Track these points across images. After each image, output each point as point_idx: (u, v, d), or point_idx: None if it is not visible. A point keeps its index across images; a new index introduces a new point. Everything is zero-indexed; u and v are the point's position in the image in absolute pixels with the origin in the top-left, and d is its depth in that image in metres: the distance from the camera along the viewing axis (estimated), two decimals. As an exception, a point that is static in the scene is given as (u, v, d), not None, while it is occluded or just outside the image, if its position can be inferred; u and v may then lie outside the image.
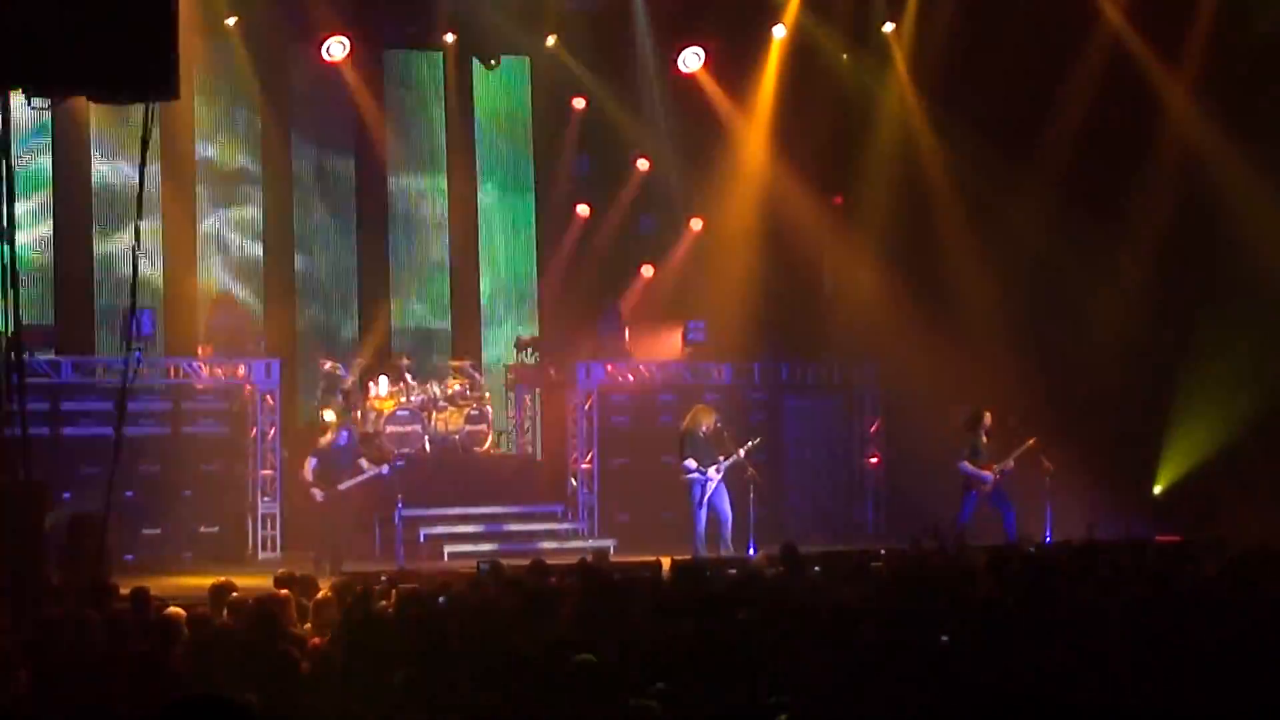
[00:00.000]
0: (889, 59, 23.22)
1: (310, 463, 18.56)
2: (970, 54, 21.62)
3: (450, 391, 21.73)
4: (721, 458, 19.04)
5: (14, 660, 9.12)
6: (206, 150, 22.21)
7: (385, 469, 18.68)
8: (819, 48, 23.18)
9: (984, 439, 19.38)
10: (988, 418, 19.45)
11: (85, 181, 21.29)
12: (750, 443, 19.17)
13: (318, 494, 18.22)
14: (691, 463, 19.04)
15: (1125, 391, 21.24)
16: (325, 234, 22.99)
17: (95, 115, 20.76)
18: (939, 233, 22.46)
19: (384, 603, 11.75)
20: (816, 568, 13.93)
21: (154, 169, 20.39)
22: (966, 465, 19.30)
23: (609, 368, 21.68)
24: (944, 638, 9.22)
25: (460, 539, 19.81)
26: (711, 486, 18.97)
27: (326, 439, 18.69)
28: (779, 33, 23.09)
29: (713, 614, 10.34)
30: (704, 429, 19.12)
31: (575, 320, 23.33)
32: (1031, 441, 19.21)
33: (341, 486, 18.25)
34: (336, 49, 21.98)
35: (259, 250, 22.49)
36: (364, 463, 18.61)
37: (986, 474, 19.20)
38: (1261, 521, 18.56)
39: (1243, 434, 20.91)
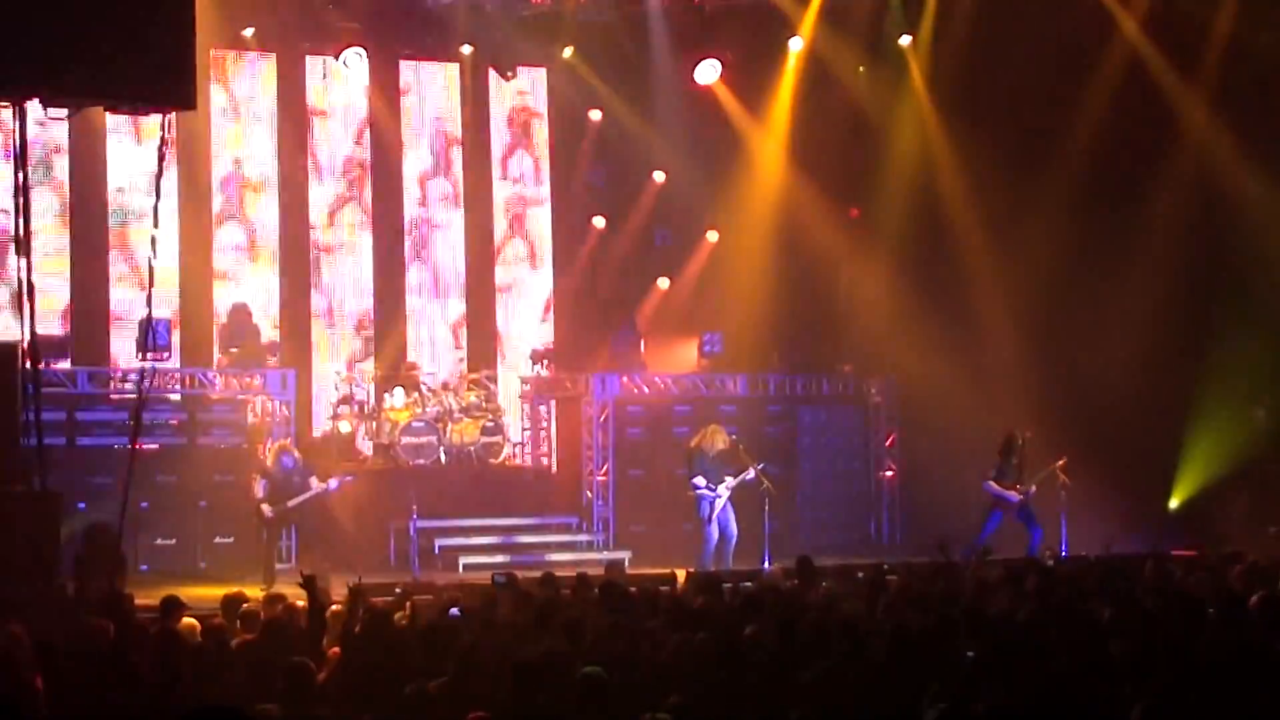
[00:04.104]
0: (905, 71, 23.18)
1: (260, 483, 18.48)
2: (987, 66, 21.57)
3: (466, 403, 21.72)
4: (730, 476, 18.97)
5: (28, 669, 9.12)
6: (223, 160, 22.26)
7: (333, 484, 18.44)
8: (835, 60, 23.15)
9: (1014, 460, 19.24)
10: (1020, 440, 19.29)
11: (101, 192, 21.33)
12: (762, 465, 19.08)
13: (268, 510, 18.15)
14: (700, 480, 18.98)
15: (1141, 406, 21.12)
16: (342, 244, 23.01)
17: (112, 125, 20.80)
18: (955, 245, 22.39)
19: (399, 614, 11.74)
20: (830, 580, 13.88)
21: (170, 179, 20.40)
22: (992, 485, 19.15)
23: (624, 379, 21.64)
24: (969, 653, 9.17)
25: (475, 550, 19.78)
26: (720, 504, 18.90)
27: (270, 464, 18.48)
28: (795, 45, 23.07)
29: (728, 626, 10.32)
30: (714, 450, 19.03)
31: (591, 332, 23.33)
32: (1061, 463, 19.15)
33: (291, 503, 18.09)
34: (353, 60, 22.01)
35: (276, 261, 22.51)
36: (314, 480, 18.40)
37: (1012, 494, 19.09)
38: (1277, 536, 18.53)
39: (1259, 449, 20.84)
